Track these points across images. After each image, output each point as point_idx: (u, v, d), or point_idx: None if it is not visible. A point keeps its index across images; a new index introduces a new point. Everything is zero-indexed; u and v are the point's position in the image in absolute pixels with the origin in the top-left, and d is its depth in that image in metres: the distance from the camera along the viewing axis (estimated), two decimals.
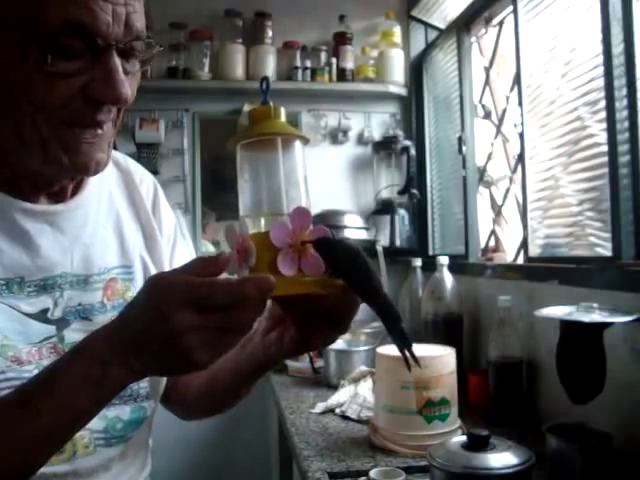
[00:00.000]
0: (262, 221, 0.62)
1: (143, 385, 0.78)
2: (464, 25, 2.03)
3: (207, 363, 0.54)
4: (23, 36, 0.58)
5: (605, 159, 1.24)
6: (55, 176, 0.70)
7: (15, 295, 0.68)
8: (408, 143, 2.33)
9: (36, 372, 0.62)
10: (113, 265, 0.79)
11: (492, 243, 1.98)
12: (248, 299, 0.52)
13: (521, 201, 1.64)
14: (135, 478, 0.80)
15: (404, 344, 0.61)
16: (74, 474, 0.69)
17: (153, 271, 0.82)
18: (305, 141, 0.64)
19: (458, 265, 1.86)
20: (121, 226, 0.82)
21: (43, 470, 0.63)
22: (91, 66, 0.60)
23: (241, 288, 0.52)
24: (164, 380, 0.83)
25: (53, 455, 0.61)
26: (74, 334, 0.71)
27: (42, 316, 0.70)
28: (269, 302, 0.65)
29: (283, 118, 0.62)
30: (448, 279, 1.72)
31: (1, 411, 0.57)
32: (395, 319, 0.61)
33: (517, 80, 1.62)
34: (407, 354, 0.61)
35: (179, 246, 0.91)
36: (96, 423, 0.71)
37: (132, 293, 0.78)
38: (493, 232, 1.97)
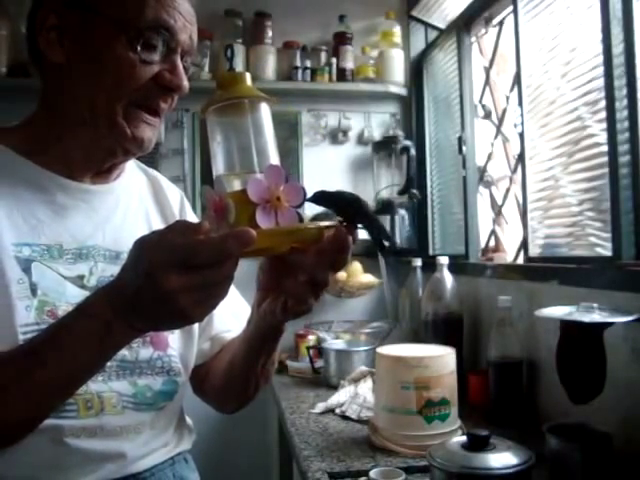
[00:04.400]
0: (236, 181, 0.64)
1: (175, 360, 0.84)
2: (464, 25, 2.03)
3: (202, 317, 0.57)
4: (119, 25, 0.72)
5: (605, 159, 1.24)
6: (112, 148, 0.78)
7: (55, 260, 0.76)
8: (408, 143, 2.32)
9: None
10: None
11: (492, 243, 1.98)
12: (232, 254, 0.54)
13: (521, 201, 1.64)
14: (168, 448, 0.85)
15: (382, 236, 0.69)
16: (102, 429, 0.75)
17: None
18: (271, 103, 0.67)
19: (458, 265, 1.86)
20: (149, 221, 0.89)
21: (73, 423, 0.72)
22: (162, 60, 0.75)
23: (223, 244, 0.53)
24: (193, 358, 0.89)
25: (57, 407, 0.67)
26: None
27: (79, 281, 0.77)
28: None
29: (249, 82, 0.66)
30: (448, 279, 1.72)
31: (10, 360, 0.62)
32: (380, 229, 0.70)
33: (517, 80, 1.62)
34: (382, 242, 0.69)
35: None
36: (126, 388, 0.78)
37: None
38: (493, 232, 1.97)
